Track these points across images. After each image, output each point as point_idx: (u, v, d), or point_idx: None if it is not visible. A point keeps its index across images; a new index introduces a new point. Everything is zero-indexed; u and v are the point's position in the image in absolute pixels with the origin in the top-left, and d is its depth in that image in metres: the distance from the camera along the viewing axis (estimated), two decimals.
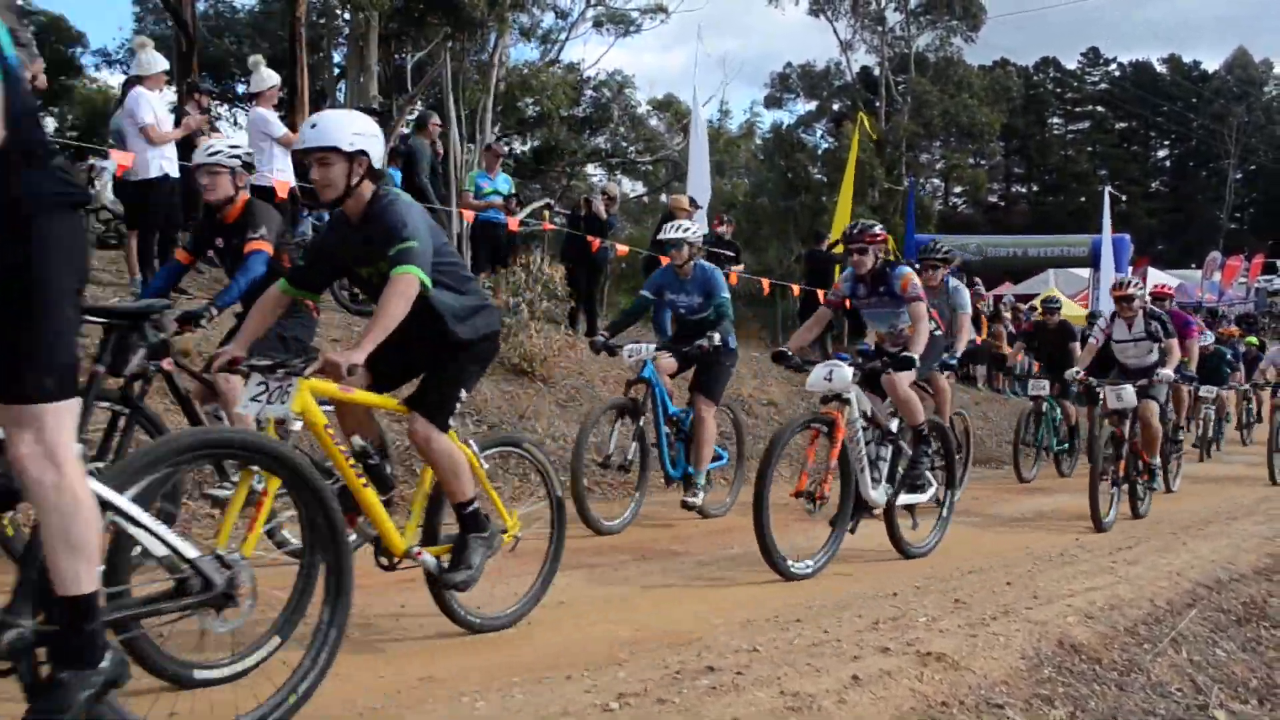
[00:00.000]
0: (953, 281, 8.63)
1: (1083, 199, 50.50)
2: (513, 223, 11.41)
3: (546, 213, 14.99)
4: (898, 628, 4.25)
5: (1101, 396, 8.26)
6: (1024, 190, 58.73)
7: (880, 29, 38.54)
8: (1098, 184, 43.42)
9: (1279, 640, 5.24)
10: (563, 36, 27.60)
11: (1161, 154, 62.23)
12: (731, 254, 13.20)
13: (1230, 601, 5.61)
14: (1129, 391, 7.90)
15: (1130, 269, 22.55)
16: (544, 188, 27.67)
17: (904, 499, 6.17)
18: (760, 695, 3.33)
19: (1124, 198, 40.21)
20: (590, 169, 30.92)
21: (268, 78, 8.95)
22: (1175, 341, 8.60)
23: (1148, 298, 9.70)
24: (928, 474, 6.34)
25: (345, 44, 22.82)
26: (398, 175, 10.76)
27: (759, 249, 31.45)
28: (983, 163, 48.67)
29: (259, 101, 8.95)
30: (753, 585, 5.16)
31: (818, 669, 3.63)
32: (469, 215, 11.26)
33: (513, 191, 11.77)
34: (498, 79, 22.46)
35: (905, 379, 6.15)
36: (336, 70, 23.84)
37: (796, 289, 15.09)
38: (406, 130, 14.16)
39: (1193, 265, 37.37)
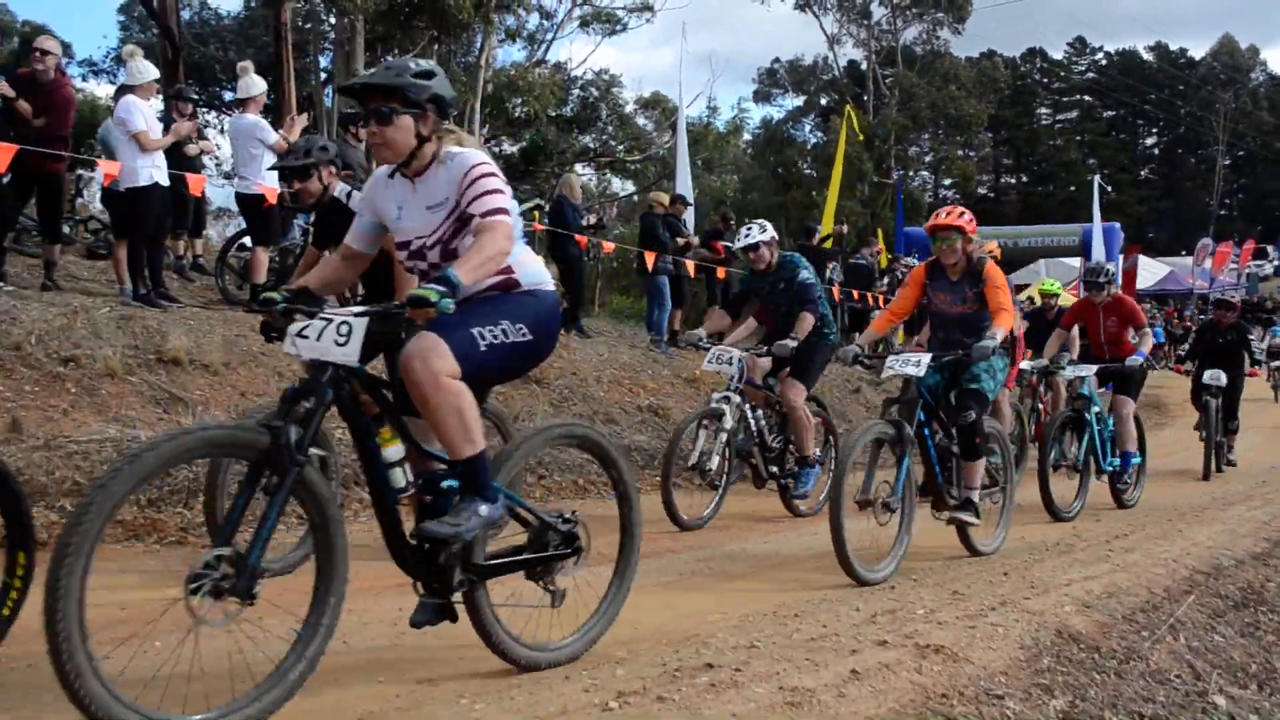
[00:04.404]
0: None
1: (1072, 188, 50.64)
2: None
3: (537, 213, 14.95)
4: (896, 620, 4.25)
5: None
6: (1013, 181, 58.89)
7: (866, 23, 38.65)
8: (1087, 173, 43.51)
9: (1277, 624, 5.25)
10: (549, 37, 27.59)
11: (1150, 142, 62.43)
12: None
13: (1228, 587, 5.61)
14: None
15: (1121, 257, 22.55)
16: (533, 188, 27.66)
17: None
18: (759, 691, 3.33)
19: (1109, 189, 40.18)
20: (579, 168, 30.90)
21: (256, 84, 8.92)
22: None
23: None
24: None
25: (331, 49, 22.79)
26: None
27: None
28: (971, 154, 48.85)
29: (247, 108, 8.91)
30: (750, 581, 5.15)
31: (816, 663, 3.63)
32: None
33: None
34: (484, 80, 22.44)
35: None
36: (323, 75, 23.80)
37: None
38: None
39: (1183, 252, 37.48)
